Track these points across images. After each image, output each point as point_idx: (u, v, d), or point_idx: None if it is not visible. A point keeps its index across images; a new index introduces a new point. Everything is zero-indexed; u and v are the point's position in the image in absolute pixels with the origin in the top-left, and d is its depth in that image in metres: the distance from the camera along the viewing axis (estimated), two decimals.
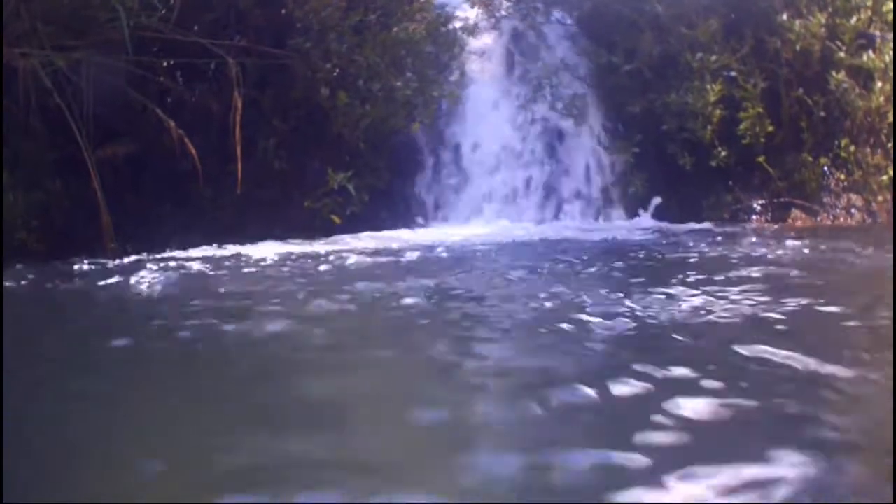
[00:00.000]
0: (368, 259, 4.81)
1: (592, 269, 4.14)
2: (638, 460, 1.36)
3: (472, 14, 7.81)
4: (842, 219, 7.71)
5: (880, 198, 7.75)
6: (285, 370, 2.19)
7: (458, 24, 7.46)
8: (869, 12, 7.59)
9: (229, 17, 7.36)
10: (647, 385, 1.77)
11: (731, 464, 1.32)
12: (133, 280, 4.07)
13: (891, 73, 7.90)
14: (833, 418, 1.60)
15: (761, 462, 1.33)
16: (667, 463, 1.34)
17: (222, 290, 3.76)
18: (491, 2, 7.85)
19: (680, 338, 2.33)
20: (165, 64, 7.59)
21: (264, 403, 1.82)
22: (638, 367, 1.89)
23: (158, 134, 6.94)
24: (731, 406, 1.65)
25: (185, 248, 5.74)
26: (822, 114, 7.69)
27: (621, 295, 3.01)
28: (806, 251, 4.75)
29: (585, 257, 4.49)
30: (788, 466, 1.31)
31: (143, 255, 5.48)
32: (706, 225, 6.96)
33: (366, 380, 2.03)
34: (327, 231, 6.77)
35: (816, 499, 1.24)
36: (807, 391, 1.80)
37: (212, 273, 4.42)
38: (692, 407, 1.62)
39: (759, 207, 7.65)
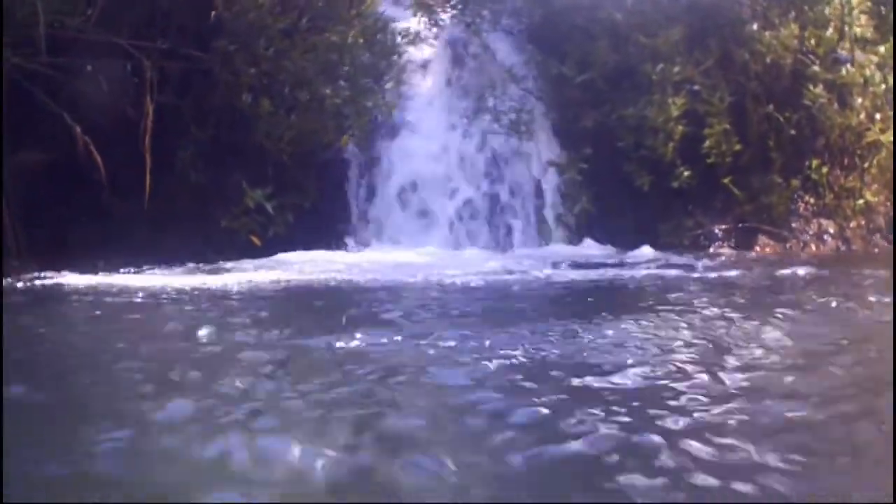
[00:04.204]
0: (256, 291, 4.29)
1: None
2: None
3: (414, 22, 7.19)
4: (812, 246, 7.12)
5: (854, 223, 7.18)
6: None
7: (398, 32, 6.84)
8: (838, 25, 7.05)
9: (154, 18, 6.85)
10: None
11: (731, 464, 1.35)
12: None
13: (871, 89, 7.36)
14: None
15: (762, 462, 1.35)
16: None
17: (82, 326, 3.22)
18: (434, 9, 7.24)
19: None
20: (90, 67, 7.14)
21: None
22: None
23: (71, 142, 6.47)
24: (729, 408, 1.71)
25: (95, 266, 5.23)
26: (793, 132, 7.12)
27: None
28: None
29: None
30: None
31: (45, 275, 5.00)
32: (659, 253, 6.29)
33: None
34: (249, 251, 6.22)
35: (817, 499, 1.25)
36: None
37: (87, 302, 3.91)
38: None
39: (721, 233, 7.05)
